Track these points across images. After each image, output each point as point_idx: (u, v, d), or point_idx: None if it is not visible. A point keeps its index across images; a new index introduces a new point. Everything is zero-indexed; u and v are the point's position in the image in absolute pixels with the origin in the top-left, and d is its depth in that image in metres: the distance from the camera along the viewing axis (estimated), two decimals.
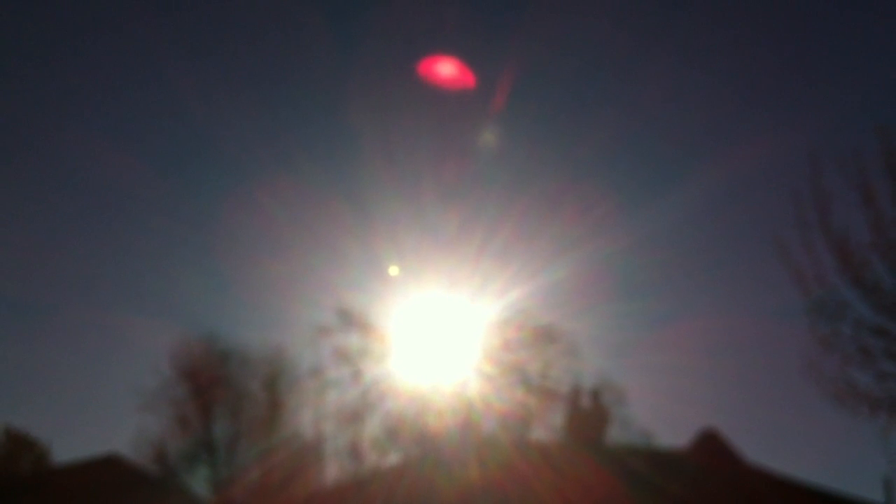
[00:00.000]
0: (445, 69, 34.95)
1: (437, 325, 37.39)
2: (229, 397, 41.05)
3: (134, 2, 46.68)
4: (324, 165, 48.16)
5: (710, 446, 29.10)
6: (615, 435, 36.21)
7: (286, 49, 48.04)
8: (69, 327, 54.72)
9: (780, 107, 50.44)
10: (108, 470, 36.43)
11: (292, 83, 50.06)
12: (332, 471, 38.39)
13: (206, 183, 56.54)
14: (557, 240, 37.76)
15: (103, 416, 52.14)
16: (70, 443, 62.08)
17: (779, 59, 47.60)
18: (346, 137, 47.25)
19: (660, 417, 40.86)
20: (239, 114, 45.83)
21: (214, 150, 54.98)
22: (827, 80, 47.18)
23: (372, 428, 37.91)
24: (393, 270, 37.44)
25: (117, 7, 46.21)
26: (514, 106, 41.20)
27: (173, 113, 53.19)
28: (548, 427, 37.02)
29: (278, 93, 51.02)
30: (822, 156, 17.06)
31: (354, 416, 38.05)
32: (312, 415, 39.63)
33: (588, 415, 36.47)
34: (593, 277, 38.80)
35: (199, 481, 40.04)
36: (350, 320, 38.48)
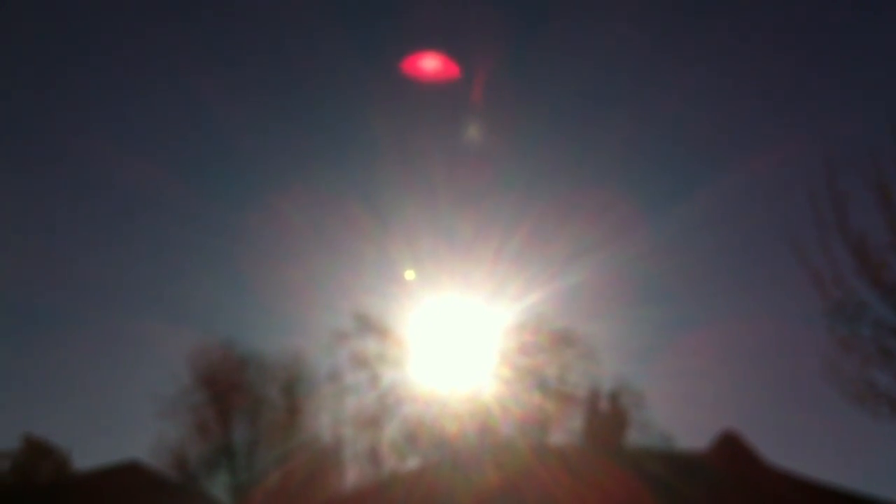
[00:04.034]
0: (430, 64, 34.90)
1: (453, 329, 37.44)
2: (248, 403, 41.20)
3: (156, 9, 46.89)
4: (340, 171, 48.26)
5: (731, 448, 28.97)
6: (634, 438, 36.14)
7: (304, 56, 48.10)
8: (88, 334, 54.98)
9: (797, 110, 50.25)
10: (128, 476, 36.53)
11: (308, 90, 50.20)
12: (351, 475, 38.50)
13: (224, 189, 56.67)
14: (574, 244, 37.70)
15: (123, 422, 52.40)
16: (90, 450, 62.38)
17: (795, 62, 47.35)
18: (362, 143, 47.32)
19: (679, 420, 40.77)
20: (257, 121, 45.99)
21: (233, 157, 55.19)
22: (843, 82, 46.97)
23: (390, 432, 37.95)
24: (409, 275, 37.50)
25: (139, 14, 46.50)
26: (532, 110, 41.26)
27: (192, 119, 53.46)
28: (566, 431, 36.99)
29: (295, 100, 51.14)
30: (839, 157, 17.00)
31: (372, 420, 38.10)
32: (330, 419, 39.75)
33: (607, 418, 36.44)
34: (611, 282, 38.74)
35: (218, 487, 40.23)
36: (367, 325, 38.55)
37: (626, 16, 42.97)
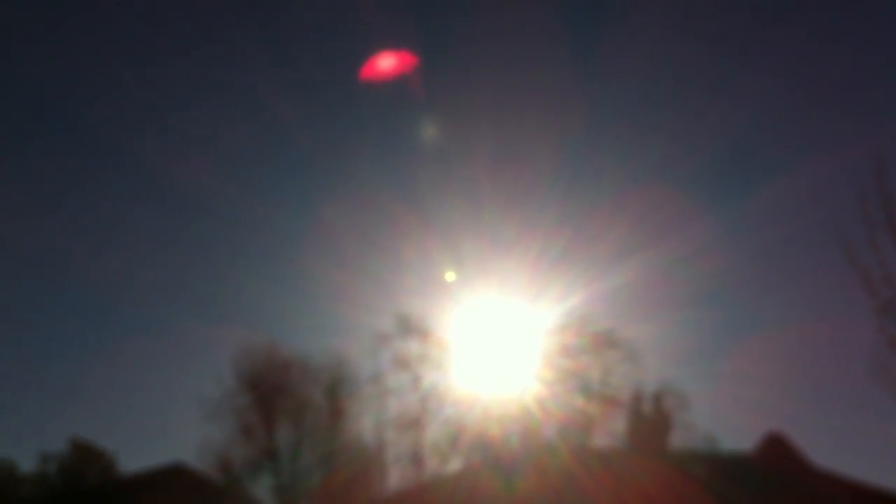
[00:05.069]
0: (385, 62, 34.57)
1: (495, 330, 37.28)
2: (291, 405, 41.29)
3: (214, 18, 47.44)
4: (384, 172, 48.32)
5: (777, 450, 28.61)
6: (678, 440, 35.78)
7: (348, 57, 48.33)
8: (134, 337, 55.73)
9: (848, 111, 49.66)
10: (173, 479, 36.89)
11: (353, 92, 50.34)
12: (394, 477, 38.51)
13: (271, 191, 57.11)
14: (618, 245, 37.46)
15: (169, 425, 52.97)
16: (136, 452, 63.13)
17: (845, 61, 46.83)
18: (406, 144, 47.38)
19: (725, 423, 40.35)
20: (300, 123, 46.23)
21: (279, 158, 55.69)
22: (892, 82, 46.28)
23: (432, 434, 37.91)
24: (450, 276, 37.45)
25: (197, 20, 47.25)
26: (578, 112, 41.07)
27: (242, 121, 54.01)
28: (608, 434, 36.69)
29: (341, 102, 51.37)
30: (888, 156, 16.66)
31: (414, 422, 38.08)
32: (373, 421, 39.76)
33: (650, 420, 36.08)
34: (655, 284, 38.42)
35: (262, 488, 40.39)
36: (409, 326, 38.52)
37: (682, 21, 42.69)
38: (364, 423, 40.35)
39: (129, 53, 53.07)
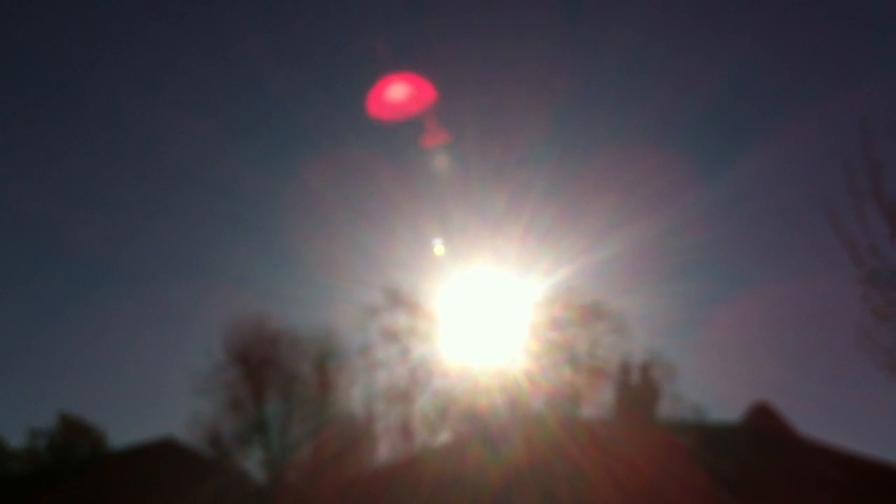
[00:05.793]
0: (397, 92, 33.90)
1: (483, 303, 37.34)
2: (280, 378, 41.35)
3: None
4: (372, 143, 47.97)
5: (764, 420, 28.78)
6: (666, 410, 35.98)
7: (337, 26, 47.75)
8: (120, 312, 55.58)
9: (832, 77, 49.51)
10: (163, 453, 36.82)
11: (341, 60, 49.90)
12: (383, 449, 38.67)
13: (261, 159, 56.63)
14: (607, 217, 37.43)
15: (158, 400, 52.98)
16: (126, 427, 63.19)
17: (829, 26, 46.60)
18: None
19: (713, 393, 40.59)
20: (290, 92, 45.78)
21: (271, 126, 55.24)
22: (877, 46, 46.14)
23: (421, 406, 38.04)
24: (438, 249, 37.40)
25: None
26: (567, 84, 40.85)
27: (233, 87, 53.61)
28: (596, 405, 36.90)
29: (328, 71, 50.90)
30: (874, 123, 16.62)
31: (403, 394, 38.21)
32: (362, 394, 39.87)
33: (638, 391, 36.27)
34: (643, 256, 38.48)
35: (252, 461, 40.51)
36: (397, 299, 38.58)
37: None
38: (353, 396, 40.49)
39: (125, 18, 52.38)
